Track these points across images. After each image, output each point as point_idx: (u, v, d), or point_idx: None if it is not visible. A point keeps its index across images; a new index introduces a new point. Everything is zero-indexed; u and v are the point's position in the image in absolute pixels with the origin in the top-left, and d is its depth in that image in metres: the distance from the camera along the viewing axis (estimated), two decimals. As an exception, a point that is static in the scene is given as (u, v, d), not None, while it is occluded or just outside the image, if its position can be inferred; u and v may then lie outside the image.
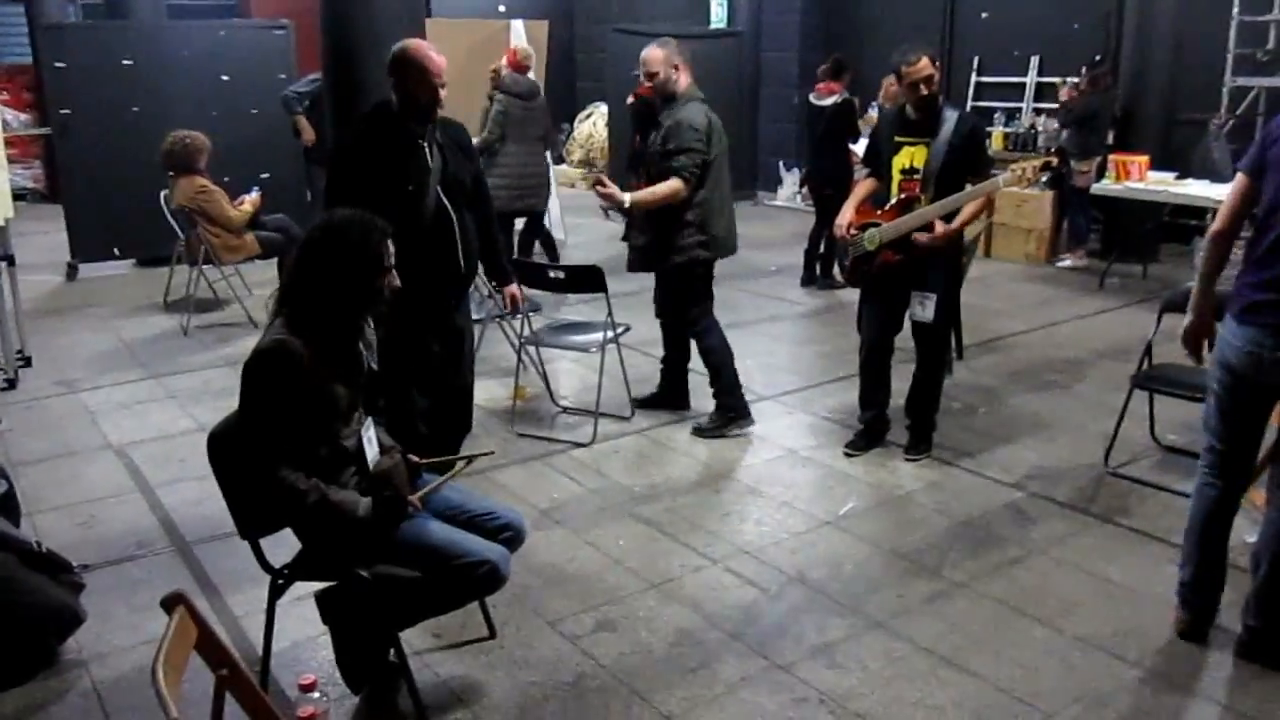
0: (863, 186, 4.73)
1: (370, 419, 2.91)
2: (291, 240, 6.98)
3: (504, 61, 7.81)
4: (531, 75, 7.92)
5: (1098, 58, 8.93)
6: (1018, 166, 4.22)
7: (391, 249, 2.82)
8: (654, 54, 4.69)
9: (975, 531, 4.07)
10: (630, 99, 7.38)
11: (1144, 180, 7.83)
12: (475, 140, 7.84)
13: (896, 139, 4.48)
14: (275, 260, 7.20)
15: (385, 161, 3.79)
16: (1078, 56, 9.15)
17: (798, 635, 3.36)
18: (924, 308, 4.53)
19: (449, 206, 3.95)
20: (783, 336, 6.97)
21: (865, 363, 4.79)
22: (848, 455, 4.78)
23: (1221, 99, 8.99)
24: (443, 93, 3.86)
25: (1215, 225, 3.25)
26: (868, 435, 4.85)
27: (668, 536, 4.05)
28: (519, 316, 5.66)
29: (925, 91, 4.33)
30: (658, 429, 5.15)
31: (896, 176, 4.47)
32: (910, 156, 4.44)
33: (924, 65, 4.30)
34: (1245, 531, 3.75)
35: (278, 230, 7.38)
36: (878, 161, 4.62)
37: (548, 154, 8.16)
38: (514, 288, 4.45)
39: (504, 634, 3.35)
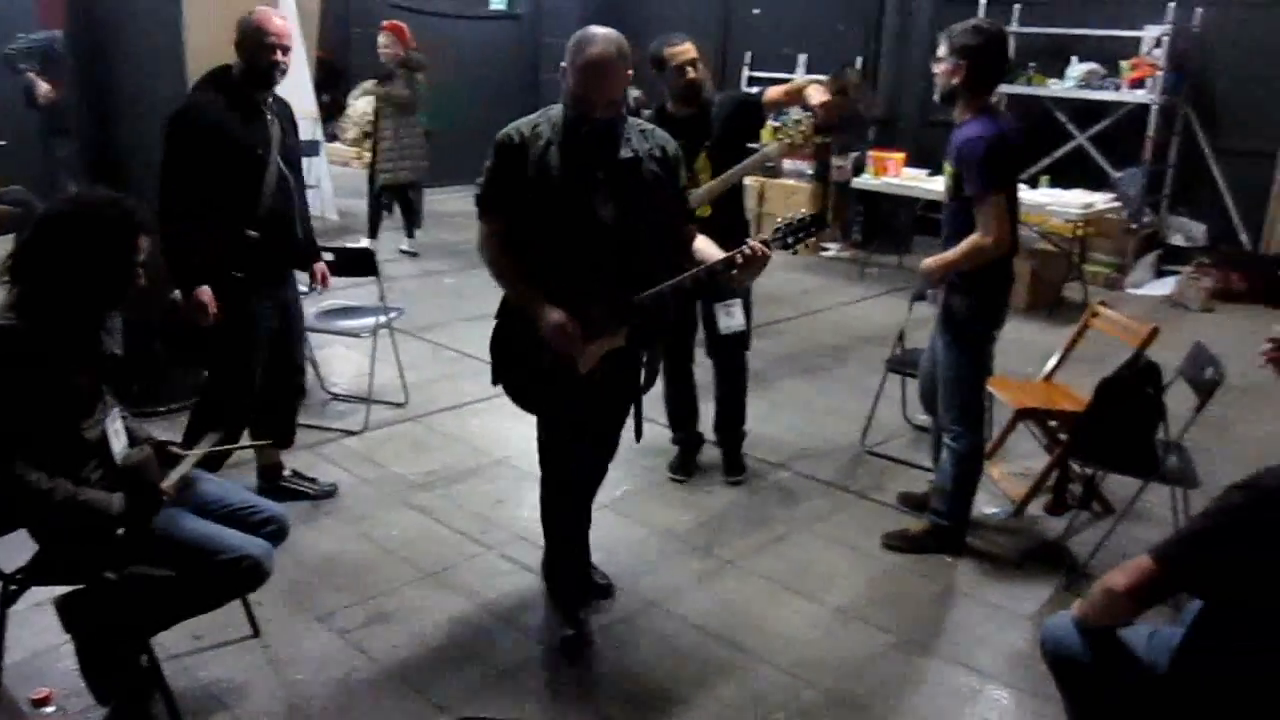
0: None
1: (116, 409, 2.71)
2: (32, 216, 6.41)
3: (406, 38, 8.22)
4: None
5: (860, 59, 9.39)
6: (791, 128, 4.25)
7: (145, 246, 2.59)
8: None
9: (745, 511, 4.23)
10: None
11: (900, 176, 8.33)
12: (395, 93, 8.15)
13: None
14: (13, 237, 6.59)
15: (230, 128, 3.63)
16: (842, 57, 9.60)
17: (573, 619, 3.39)
18: (731, 316, 4.22)
19: (289, 176, 3.82)
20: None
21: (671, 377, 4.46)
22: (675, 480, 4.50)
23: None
24: (285, 58, 3.67)
25: (1000, 237, 3.50)
26: (685, 455, 4.59)
27: (443, 524, 4.00)
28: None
29: (692, 75, 4.06)
30: (431, 416, 5.06)
31: None
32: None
33: (689, 47, 4.06)
34: (984, 504, 4.08)
35: (15, 204, 6.77)
36: None
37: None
38: (322, 264, 4.20)
39: (269, 632, 3.22)
